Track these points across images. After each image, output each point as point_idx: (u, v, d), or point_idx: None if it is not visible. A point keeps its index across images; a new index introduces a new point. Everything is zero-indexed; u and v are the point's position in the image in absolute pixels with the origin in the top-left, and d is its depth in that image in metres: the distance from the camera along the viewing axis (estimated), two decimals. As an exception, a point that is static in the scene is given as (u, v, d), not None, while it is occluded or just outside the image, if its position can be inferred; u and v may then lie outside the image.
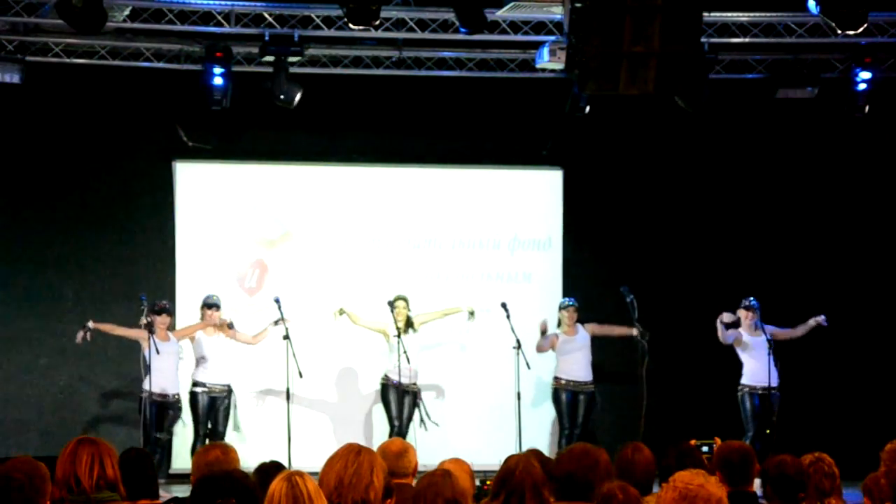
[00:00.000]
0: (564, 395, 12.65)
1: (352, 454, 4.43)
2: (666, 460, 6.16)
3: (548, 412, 13.66)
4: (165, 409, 11.99)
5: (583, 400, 12.64)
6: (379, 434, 12.62)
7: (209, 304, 12.31)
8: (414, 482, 6.06)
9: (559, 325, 12.79)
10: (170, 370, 12.04)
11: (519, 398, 12.32)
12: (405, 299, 12.53)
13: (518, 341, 12.32)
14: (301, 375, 11.98)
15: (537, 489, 5.00)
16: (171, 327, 12.30)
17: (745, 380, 12.43)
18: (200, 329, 12.28)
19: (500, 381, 12.98)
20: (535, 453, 6.18)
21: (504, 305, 12.49)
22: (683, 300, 14.03)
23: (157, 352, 11.78)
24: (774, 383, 12.31)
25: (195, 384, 12.23)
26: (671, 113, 12.77)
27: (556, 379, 12.74)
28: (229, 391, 12.30)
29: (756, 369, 12.31)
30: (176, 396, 12.09)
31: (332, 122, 13.71)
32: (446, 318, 12.97)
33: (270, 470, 5.27)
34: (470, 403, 13.56)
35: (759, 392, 12.31)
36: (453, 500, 5.06)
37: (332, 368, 13.36)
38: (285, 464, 8.55)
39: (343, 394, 13.46)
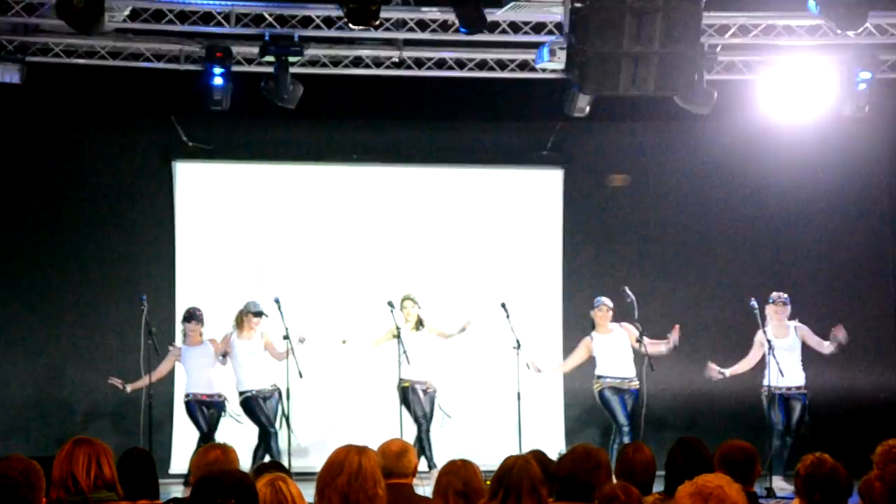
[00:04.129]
0: (610, 393, 12.25)
1: (353, 465, 4.40)
2: (673, 454, 6.15)
3: (550, 412, 13.67)
4: (209, 407, 12.02)
5: (628, 399, 12.28)
6: (379, 433, 12.58)
7: (256, 313, 12.21)
8: (414, 482, 6.07)
9: (592, 327, 12.50)
10: (205, 373, 12.08)
11: (519, 398, 12.30)
12: (413, 299, 12.49)
13: (518, 341, 12.29)
14: (301, 375, 11.97)
15: (535, 489, 5.01)
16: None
17: (769, 380, 12.07)
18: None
19: (501, 381, 12.96)
20: (535, 454, 6.17)
21: (504, 305, 12.45)
22: (684, 300, 14.03)
23: (159, 353, 11.86)
24: (801, 383, 12.19)
25: (243, 392, 12.18)
26: (671, 113, 12.76)
27: (599, 378, 12.34)
28: (278, 390, 12.23)
29: (783, 369, 12.01)
30: (220, 396, 12.10)
31: (332, 122, 13.71)
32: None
33: (271, 470, 5.27)
34: (470, 404, 13.54)
35: (785, 393, 12.18)
36: (463, 492, 5.07)
37: (332, 368, 13.35)
38: (285, 464, 8.56)
39: (343, 393, 13.45)
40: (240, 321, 12.26)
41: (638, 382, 12.33)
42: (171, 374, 12.69)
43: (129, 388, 12.09)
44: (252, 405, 12.16)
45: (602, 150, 14.14)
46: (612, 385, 12.31)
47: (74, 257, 13.43)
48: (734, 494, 3.82)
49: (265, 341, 12.27)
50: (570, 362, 12.65)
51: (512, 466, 5.06)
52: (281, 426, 12.18)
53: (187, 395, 12.16)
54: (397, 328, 12.25)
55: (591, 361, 12.54)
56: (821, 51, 12.91)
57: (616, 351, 12.38)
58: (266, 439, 12.06)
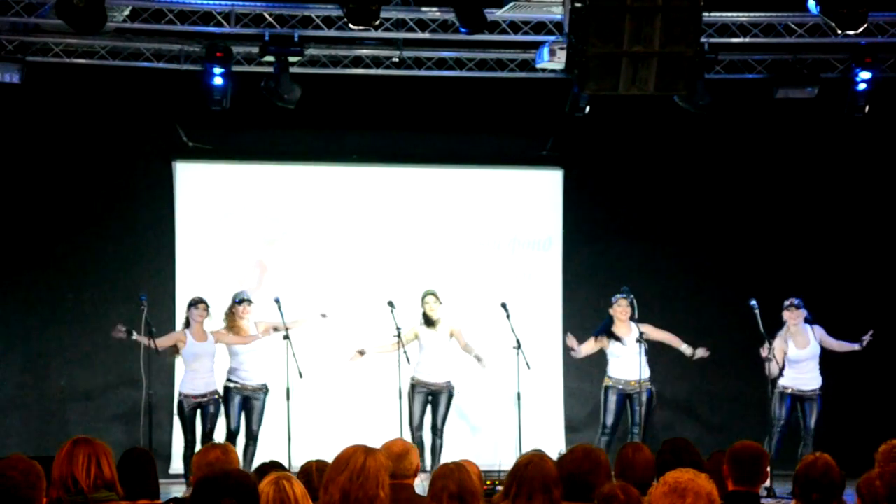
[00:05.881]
0: (614, 396, 12.20)
1: (357, 463, 4.40)
2: (662, 456, 6.15)
3: (550, 412, 13.67)
4: (203, 408, 11.90)
5: (636, 400, 12.18)
6: (380, 433, 12.56)
7: (239, 300, 12.08)
8: (415, 483, 6.07)
9: (611, 323, 12.39)
10: (206, 370, 11.94)
11: (519, 398, 12.30)
12: (435, 295, 12.40)
13: (518, 341, 12.29)
14: (301, 375, 11.96)
15: (547, 488, 4.99)
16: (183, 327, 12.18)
17: (786, 382, 12.04)
18: (242, 342, 12.11)
19: (501, 381, 12.96)
20: (537, 454, 6.16)
21: (504, 305, 12.45)
22: (683, 300, 14.04)
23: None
24: (818, 385, 12.15)
25: (228, 381, 12.10)
26: (671, 113, 12.77)
27: (608, 377, 12.29)
28: (265, 390, 12.18)
29: (800, 374, 12.02)
30: (214, 396, 11.95)
31: (332, 122, 13.71)
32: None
33: (270, 470, 5.27)
34: (470, 404, 13.54)
35: (803, 395, 12.08)
36: (458, 495, 5.06)
37: (333, 368, 13.34)
38: (285, 464, 8.56)
39: (343, 393, 13.44)
40: (230, 318, 12.17)
41: (650, 383, 12.28)
42: (171, 374, 12.68)
43: (134, 336, 11.77)
44: (230, 398, 12.02)
45: (602, 150, 14.14)
46: (618, 388, 12.24)
47: (74, 257, 13.43)
48: (706, 484, 3.86)
49: (264, 328, 12.18)
50: (586, 349, 12.49)
51: (526, 464, 5.05)
52: (259, 427, 12.09)
53: (183, 395, 11.91)
54: (398, 329, 12.23)
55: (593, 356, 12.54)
56: (821, 51, 12.93)
57: (628, 355, 12.28)
58: (227, 439, 11.92)
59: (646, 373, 12.21)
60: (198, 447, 11.60)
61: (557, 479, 5.06)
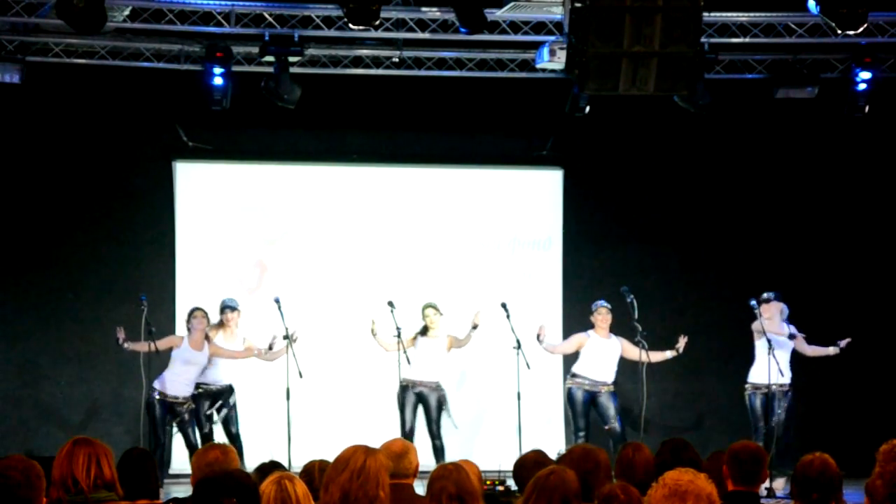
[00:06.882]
0: (581, 395, 12.24)
1: (357, 463, 4.40)
2: (661, 456, 6.14)
3: (550, 412, 13.67)
4: (174, 409, 11.88)
5: (603, 400, 12.21)
6: (379, 434, 12.55)
7: (224, 307, 12.16)
8: (414, 483, 6.07)
9: (592, 327, 12.43)
10: (190, 375, 11.92)
11: (519, 398, 12.29)
12: (435, 307, 12.40)
13: (518, 341, 12.28)
14: (301, 375, 11.96)
15: (567, 501, 4.96)
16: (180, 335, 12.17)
17: (754, 378, 12.09)
18: (240, 357, 12.15)
19: (501, 381, 12.96)
20: (537, 454, 6.16)
21: (504, 305, 12.44)
22: (683, 300, 14.04)
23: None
24: (788, 381, 12.16)
25: (197, 385, 12.13)
26: (671, 113, 12.77)
27: (573, 376, 12.33)
28: (231, 390, 12.22)
29: (770, 366, 12.01)
30: (186, 399, 11.93)
31: (332, 122, 13.71)
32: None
33: (270, 470, 5.27)
34: (470, 404, 13.54)
35: (766, 390, 12.11)
36: (457, 496, 5.06)
37: (332, 368, 13.35)
38: (285, 464, 8.56)
39: (343, 393, 13.45)
40: (220, 325, 12.18)
41: (613, 387, 12.30)
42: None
43: (127, 345, 11.76)
44: (200, 400, 12.08)
45: (602, 150, 14.14)
46: (584, 387, 12.28)
47: (74, 257, 13.43)
48: (706, 485, 3.83)
49: (247, 346, 12.22)
50: (561, 348, 12.62)
51: (548, 475, 5.02)
52: (238, 427, 12.12)
53: (158, 393, 11.86)
54: (398, 329, 12.22)
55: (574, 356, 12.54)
56: (821, 51, 12.93)
57: (604, 357, 12.32)
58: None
59: (612, 376, 12.27)
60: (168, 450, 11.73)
61: (578, 492, 5.02)
